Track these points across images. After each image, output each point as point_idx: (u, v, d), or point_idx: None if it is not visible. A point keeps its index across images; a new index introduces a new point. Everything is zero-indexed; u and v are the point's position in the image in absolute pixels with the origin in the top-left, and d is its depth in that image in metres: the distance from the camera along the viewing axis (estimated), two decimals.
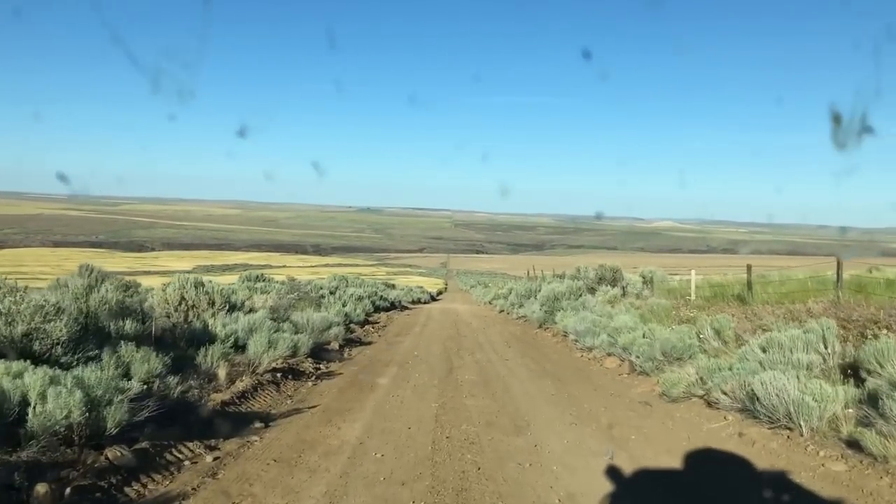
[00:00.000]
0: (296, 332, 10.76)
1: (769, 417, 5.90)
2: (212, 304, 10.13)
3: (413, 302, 37.17)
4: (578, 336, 12.86)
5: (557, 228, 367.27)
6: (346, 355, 11.58)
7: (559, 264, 33.25)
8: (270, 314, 12.45)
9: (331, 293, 21.23)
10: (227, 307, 10.38)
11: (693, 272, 15.00)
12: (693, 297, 14.82)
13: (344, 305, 18.32)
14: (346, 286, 25.93)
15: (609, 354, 11.56)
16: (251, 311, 12.12)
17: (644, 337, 10.12)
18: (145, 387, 5.76)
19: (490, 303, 32.67)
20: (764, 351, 7.11)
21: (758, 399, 5.99)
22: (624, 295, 19.06)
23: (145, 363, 6.28)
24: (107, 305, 7.07)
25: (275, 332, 9.86)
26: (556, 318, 16.13)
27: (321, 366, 10.02)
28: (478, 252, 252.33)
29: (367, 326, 17.13)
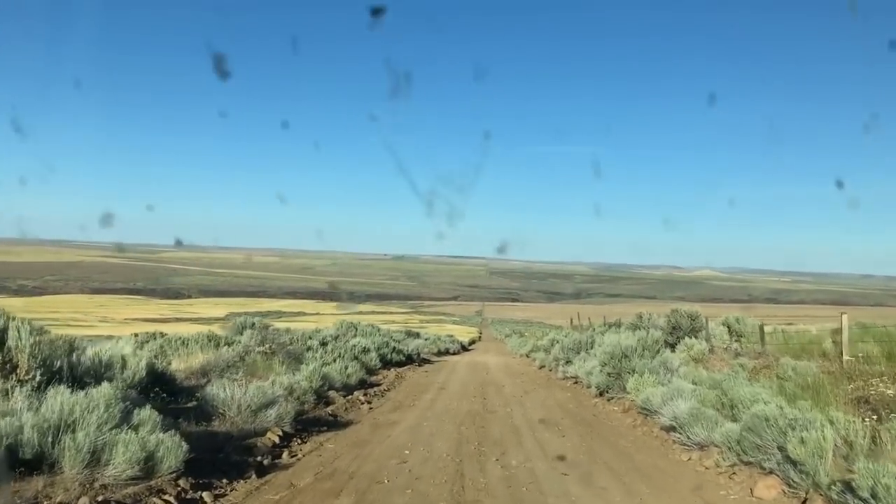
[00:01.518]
0: (192, 421, 5.98)
1: None
2: (9, 370, 5.42)
3: (439, 353, 32.15)
4: (680, 423, 7.73)
5: (594, 277, 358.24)
6: (282, 458, 6.68)
7: (599, 313, 28.06)
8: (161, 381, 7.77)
9: (322, 345, 16.39)
10: (50, 375, 5.65)
11: (844, 317, 9.79)
12: (847, 357, 9.62)
13: (331, 362, 13.49)
14: (354, 335, 21.20)
15: (748, 464, 6.45)
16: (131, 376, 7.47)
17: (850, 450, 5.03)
18: None
19: (528, 356, 27.46)
20: None
21: None
22: (712, 351, 13.90)
23: None
24: None
25: (113, 427, 5.09)
26: (628, 385, 11.04)
27: (202, 495, 5.13)
28: (513, 300, 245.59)
29: (356, 393, 12.22)
